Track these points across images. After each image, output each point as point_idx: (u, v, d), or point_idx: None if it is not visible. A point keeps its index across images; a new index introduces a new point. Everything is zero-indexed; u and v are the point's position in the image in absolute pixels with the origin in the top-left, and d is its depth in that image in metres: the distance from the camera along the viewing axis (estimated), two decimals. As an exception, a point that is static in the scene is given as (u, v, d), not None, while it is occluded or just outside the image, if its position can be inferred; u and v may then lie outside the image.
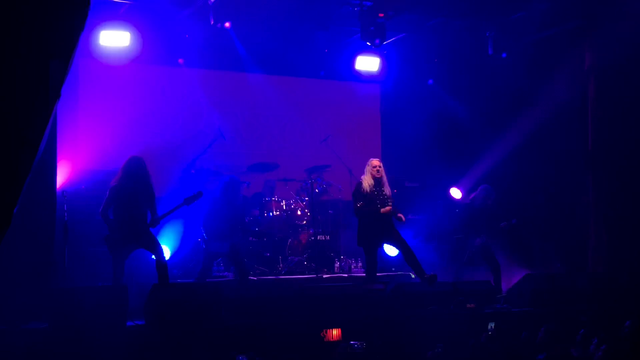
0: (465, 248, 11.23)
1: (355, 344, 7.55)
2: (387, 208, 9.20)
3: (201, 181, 10.42)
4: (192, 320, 7.57)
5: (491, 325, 8.39)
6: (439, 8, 11.39)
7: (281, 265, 11.51)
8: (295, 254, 11.71)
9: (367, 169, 9.41)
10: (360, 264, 11.70)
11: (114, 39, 10.99)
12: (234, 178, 10.12)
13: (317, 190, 11.68)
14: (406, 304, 8.70)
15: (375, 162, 9.43)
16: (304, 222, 11.88)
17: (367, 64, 12.76)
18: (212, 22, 10.85)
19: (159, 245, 8.46)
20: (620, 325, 7.55)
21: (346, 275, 11.44)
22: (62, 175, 9.78)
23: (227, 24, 11.25)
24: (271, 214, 11.81)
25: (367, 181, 9.32)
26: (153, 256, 8.41)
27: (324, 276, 10.95)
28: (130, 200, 8.31)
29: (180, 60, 12.41)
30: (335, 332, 7.89)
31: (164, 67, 12.49)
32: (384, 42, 11.25)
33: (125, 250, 8.31)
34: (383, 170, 9.37)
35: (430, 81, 13.84)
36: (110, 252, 8.33)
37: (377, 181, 9.29)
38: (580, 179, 11.45)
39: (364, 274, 9.51)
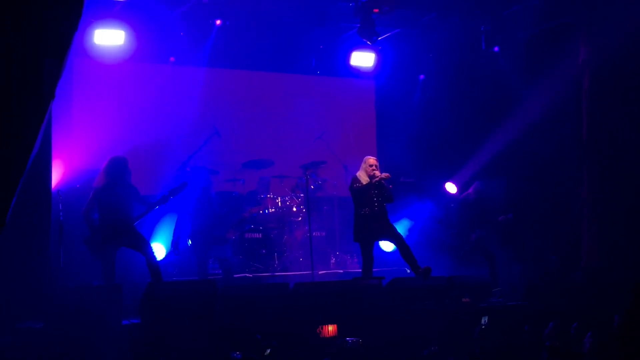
0: (461, 242, 11.27)
1: (351, 339, 7.57)
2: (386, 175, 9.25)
3: (196, 179, 10.41)
4: (187, 318, 7.58)
5: (484, 319, 8.41)
6: (433, 3, 11.40)
7: (277, 262, 11.52)
8: (290, 250, 11.73)
9: (363, 166, 9.37)
10: (355, 260, 11.72)
11: (108, 38, 10.96)
12: (205, 172, 10.24)
13: (312, 187, 11.68)
14: (402, 299, 8.71)
15: (372, 160, 9.36)
16: (299, 218, 11.89)
17: (362, 59, 12.75)
18: (206, 19, 10.87)
19: (148, 244, 8.48)
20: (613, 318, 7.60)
21: (342, 271, 11.47)
22: (56, 175, 9.77)
23: (217, 22, 11.25)
24: (266, 211, 11.82)
25: (362, 178, 9.30)
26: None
27: (320, 272, 10.97)
28: (113, 200, 8.35)
29: (172, 59, 12.38)
30: (331, 328, 7.91)
31: (159, 65, 12.46)
32: (379, 38, 11.27)
33: (108, 250, 8.33)
34: (379, 170, 9.33)
35: (422, 76, 13.86)
36: (92, 254, 8.37)
37: (372, 179, 9.27)
38: (575, 173, 11.46)
39: (360, 270, 9.52)
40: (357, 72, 13.27)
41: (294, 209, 11.96)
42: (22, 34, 2.79)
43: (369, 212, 9.20)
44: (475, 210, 11.00)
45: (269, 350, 7.10)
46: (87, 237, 8.40)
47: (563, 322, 7.82)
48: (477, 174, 12.13)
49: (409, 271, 9.63)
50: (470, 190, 11.28)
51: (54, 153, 9.28)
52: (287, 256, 11.67)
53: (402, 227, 11.65)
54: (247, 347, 7.12)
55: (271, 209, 11.85)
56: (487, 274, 10.25)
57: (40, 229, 8.47)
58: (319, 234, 11.85)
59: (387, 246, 11.14)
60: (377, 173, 9.23)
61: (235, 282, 9.84)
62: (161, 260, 10.02)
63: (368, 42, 11.28)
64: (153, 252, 8.50)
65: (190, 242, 10.20)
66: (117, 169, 8.49)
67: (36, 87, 2.84)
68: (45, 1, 2.86)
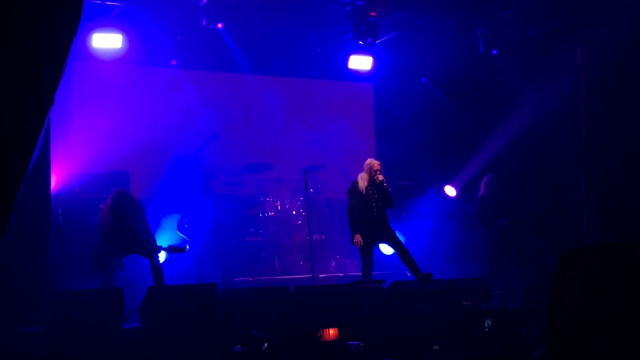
0: (486, 233, 11.28)
1: (353, 343, 7.56)
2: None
3: (194, 182, 10.42)
4: (188, 322, 7.57)
5: (488, 322, 8.41)
6: (430, 6, 11.40)
7: (277, 265, 11.52)
8: (290, 254, 11.73)
9: (366, 169, 9.36)
10: (356, 263, 11.71)
11: (106, 41, 10.97)
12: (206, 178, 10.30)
13: (311, 190, 11.67)
14: (402, 302, 8.71)
15: (376, 165, 9.35)
16: (299, 222, 11.89)
17: (360, 63, 12.75)
18: (204, 23, 10.86)
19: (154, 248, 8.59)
20: None
21: (342, 274, 11.46)
22: (55, 179, 9.77)
23: (219, 25, 11.25)
24: (266, 214, 11.82)
25: (363, 181, 9.29)
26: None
27: (320, 276, 10.96)
28: (122, 235, 8.57)
29: (174, 62, 12.38)
30: (332, 332, 7.90)
31: (157, 68, 12.46)
32: (376, 41, 11.27)
33: (114, 261, 8.46)
34: (382, 174, 9.31)
35: (424, 79, 13.86)
36: (100, 263, 8.47)
37: (374, 182, 9.26)
38: (574, 175, 11.47)
39: (360, 273, 9.51)
40: (355, 76, 13.28)
41: (294, 212, 11.95)
42: (20, 41, 2.79)
43: (368, 216, 9.20)
44: (491, 203, 11.07)
45: (266, 344, 7.13)
46: (93, 259, 8.54)
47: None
48: (476, 176, 12.13)
49: (409, 274, 9.63)
50: (482, 184, 11.37)
51: (53, 157, 9.28)
52: (287, 259, 11.66)
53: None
54: (249, 350, 7.14)
55: (271, 212, 11.85)
56: (488, 274, 10.29)
57: (40, 233, 8.47)
58: (318, 237, 11.85)
59: (387, 249, 11.12)
60: (380, 177, 9.22)
61: (235, 286, 9.83)
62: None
63: (365, 46, 11.29)
64: (158, 256, 8.63)
65: (187, 247, 10.20)
66: (121, 205, 8.59)
67: (35, 93, 2.84)
68: (43, 7, 2.85)
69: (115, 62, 11.35)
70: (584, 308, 2.36)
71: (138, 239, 8.61)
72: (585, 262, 2.49)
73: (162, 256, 10.29)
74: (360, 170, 9.48)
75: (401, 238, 9.58)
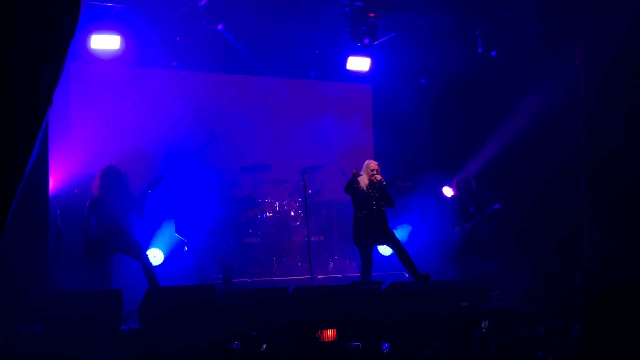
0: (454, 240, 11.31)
1: (351, 344, 7.56)
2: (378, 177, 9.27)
3: (194, 184, 10.40)
4: (186, 324, 7.56)
5: (485, 323, 8.41)
6: (429, 7, 11.39)
7: (275, 266, 11.51)
8: (289, 255, 11.72)
9: (364, 169, 9.42)
10: (354, 264, 11.71)
11: (105, 42, 10.95)
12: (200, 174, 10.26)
13: (310, 191, 11.67)
14: (401, 303, 8.71)
15: (373, 165, 9.42)
16: (298, 223, 11.89)
17: (358, 64, 12.72)
18: (203, 24, 10.86)
19: (143, 251, 8.55)
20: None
21: (340, 275, 11.45)
22: (54, 180, 9.76)
23: (219, 26, 11.25)
24: (265, 215, 11.81)
25: (363, 180, 9.34)
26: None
27: (318, 277, 10.95)
28: (109, 208, 8.42)
29: (174, 63, 12.37)
30: (330, 333, 7.89)
31: (156, 69, 12.43)
32: (375, 42, 11.26)
33: (105, 257, 8.38)
34: (380, 175, 9.37)
35: (423, 80, 13.85)
36: (89, 265, 8.41)
37: (373, 183, 9.32)
38: (573, 174, 11.48)
39: (358, 274, 9.52)
40: (353, 77, 13.27)
41: (292, 214, 11.95)
42: (18, 40, 2.79)
43: (368, 215, 9.24)
44: (456, 206, 11.11)
45: (264, 346, 7.14)
46: (83, 248, 8.45)
47: (553, 323, 7.81)
48: (474, 177, 12.14)
49: (407, 275, 9.63)
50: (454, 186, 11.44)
51: (52, 159, 9.27)
52: (285, 260, 11.65)
53: (402, 233, 11.66)
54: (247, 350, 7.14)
55: (269, 213, 11.85)
56: (484, 275, 10.27)
57: (39, 234, 8.47)
58: (317, 239, 11.84)
59: (385, 250, 11.13)
60: (378, 177, 9.29)
61: (234, 287, 9.82)
62: (159, 266, 10.05)
63: (364, 47, 11.28)
64: (148, 258, 8.58)
65: (186, 248, 10.18)
66: (111, 178, 8.54)
67: (33, 93, 2.84)
68: (42, 8, 2.86)
69: (113, 63, 11.33)
70: (618, 346, 2.37)
71: (126, 221, 8.51)
72: (620, 300, 2.50)
73: (159, 259, 10.30)
74: (359, 171, 9.52)
75: (405, 232, 9.61)
